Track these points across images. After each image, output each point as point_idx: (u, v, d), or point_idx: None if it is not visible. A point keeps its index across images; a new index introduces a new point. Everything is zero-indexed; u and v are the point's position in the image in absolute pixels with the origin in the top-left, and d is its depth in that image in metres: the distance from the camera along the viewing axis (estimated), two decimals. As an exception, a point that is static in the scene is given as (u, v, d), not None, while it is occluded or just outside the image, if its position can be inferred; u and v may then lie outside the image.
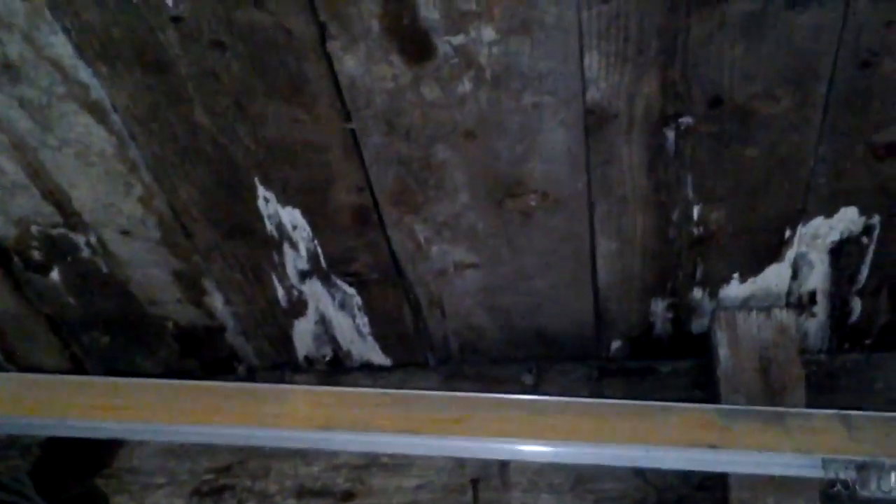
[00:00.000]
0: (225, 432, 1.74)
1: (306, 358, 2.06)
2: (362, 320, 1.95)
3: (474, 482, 1.93)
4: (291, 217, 1.73)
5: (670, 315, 1.89)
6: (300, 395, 1.75)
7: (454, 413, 1.69)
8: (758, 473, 1.67)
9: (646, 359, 2.00)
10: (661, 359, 2.00)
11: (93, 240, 1.80)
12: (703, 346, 1.92)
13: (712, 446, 1.63)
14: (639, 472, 1.90)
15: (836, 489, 1.63)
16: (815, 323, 1.89)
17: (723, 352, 1.78)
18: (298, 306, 1.93)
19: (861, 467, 1.61)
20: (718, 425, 1.65)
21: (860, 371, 1.93)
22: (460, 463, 1.99)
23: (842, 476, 1.62)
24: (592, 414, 1.68)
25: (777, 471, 1.65)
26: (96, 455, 2.07)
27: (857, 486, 1.61)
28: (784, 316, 1.79)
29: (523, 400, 1.71)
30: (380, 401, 1.72)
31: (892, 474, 1.61)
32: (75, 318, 1.99)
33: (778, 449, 1.62)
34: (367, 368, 2.07)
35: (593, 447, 1.67)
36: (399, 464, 2.01)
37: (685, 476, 1.90)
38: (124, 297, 1.92)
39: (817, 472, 1.64)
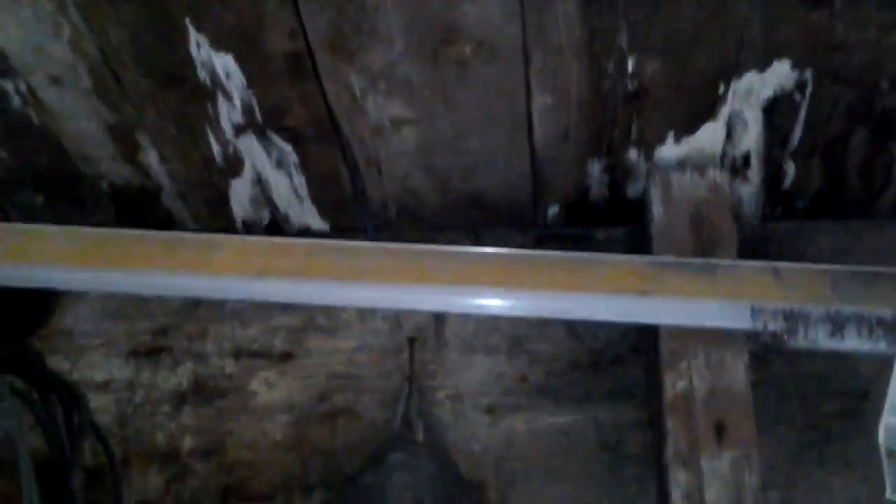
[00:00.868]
0: (161, 281, 1.73)
1: (244, 223, 2.05)
2: (299, 180, 1.94)
3: (411, 341, 1.94)
4: (224, 64, 1.71)
5: (606, 178, 1.89)
6: (236, 244, 1.74)
7: (389, 262, 1.69)
8: (687, 325, 1.69)
9: (582, 226, 2.01)
10: (598, 225, 2.00)
11: (22, 87, 1.78)
12: (638, 213, 1.93)
13: (643, 293, 1.64)
14: (573, 333, 1.92)
15: (764, 340, 1.64)
16: (749, 189, 1.91)
17: (656, 210, 1.79)
18: (234, 164, 1.91)
19: (788, 317, 1.63)
20: (650, 275, 1.66)
21: (792, 238, 1.95)
22: (397, 325, 1.99)
23: (770, 327, 1.63)
24: (528, 263, 1.68)
25: (706, 321, 1.67)
26: (31, 315, 2.05)
27: (784, 337, 1.63)
28: (718, 176, 1.80)
29: (458, 251, 1.71)
30: (316, 249, 1.71)
31: (819, 324, 1.62)
32: (7, 174, 1.96)
33: (708, 296, 1.63)
34: (306, 234, 2.06)
35: (527, 296, 1.67)
36: (336, 326, 2.01)
37: (619, 337, 1.92)
38: (57, 152, 1.90)
39: (746, 323, 1.65)
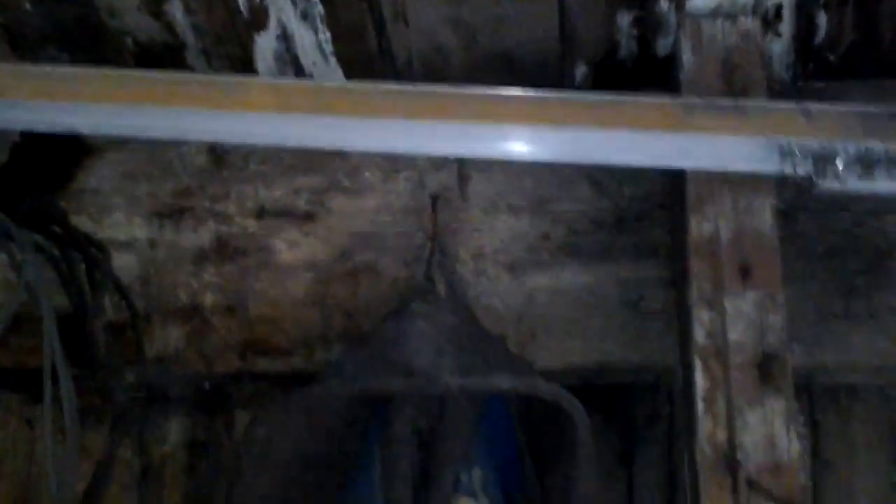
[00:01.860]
0: (188, 121, 1.71)
1: (268, 84, 2.03)
2: (325, 35, 1.92)
3: (433, 199, 1.93)
4: None
5: (636, 32, 1.88)
6: (260, 86, 1.73)
7: (416, 101, 1.68)
8: (715, 169, 1.67)
9: (611, 89, 1.98)
10: (626, 88, 1.98)
11: (50, -73, 1.76)
12: (667, 75, 1.91)
13: (672, 133, 1.62)
14: (598, 191, 1.90)
15: (793, 181, 1.63)
16: (780, 45, 1.89)
17: (686, 58, 1.77)
18: (260, 16, 1.90)
19: (818, 158, 1.61)
20: (679, 114, 1.65)
21: (822, 97, 1.92)
22: (420, 185, 1.98)
23: (799, 169, 1.62)
24: (555, 103, 1.67)
25: (735, 164, 1.65)
26: (54, 173, 2.05)
27: (813, 178, 1.61)
28: (750, 23, 1.78)
29: (483, 92, 1.70)
30: (342, 90, 1.71)
31: (849, 164, 1.60)
32: (32, 31, 1.95)
33: (737, 135, 1.62)
34: (330, 95, 2.04)
35: (553, 137, 1.66)
36: (359, 187, 2.01)
37: (644, 195, 1.91)
38: (84, 1, 1.88)
39: (775, 166, 1.64)
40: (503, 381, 1.67)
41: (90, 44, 1.98)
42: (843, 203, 1.82)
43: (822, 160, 1.61)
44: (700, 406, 1.57)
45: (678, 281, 1.75)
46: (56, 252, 1.91)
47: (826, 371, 1.83)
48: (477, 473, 1.70)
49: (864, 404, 1.92)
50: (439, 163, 1.96)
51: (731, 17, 1.77)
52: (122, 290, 1.94)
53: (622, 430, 1.97)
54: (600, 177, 1.90)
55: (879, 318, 1.80)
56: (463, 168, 1.94)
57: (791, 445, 1.55)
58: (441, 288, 1.87)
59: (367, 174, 2.00)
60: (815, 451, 1.90)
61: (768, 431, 1.56)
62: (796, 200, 1.81)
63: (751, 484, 1.53)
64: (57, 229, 1.94)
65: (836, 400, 1.92)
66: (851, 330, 1.81)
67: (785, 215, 1.79)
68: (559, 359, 1.86)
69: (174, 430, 2.03)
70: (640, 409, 1.97)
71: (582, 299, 1.88)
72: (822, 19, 1.83)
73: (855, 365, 1.83)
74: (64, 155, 2.03)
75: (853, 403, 1.92)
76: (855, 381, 1.89)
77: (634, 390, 1.97)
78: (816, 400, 1.91)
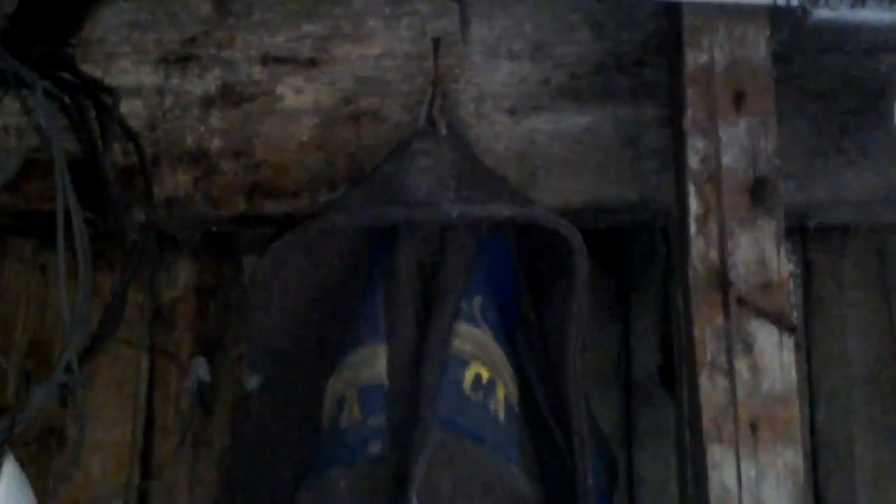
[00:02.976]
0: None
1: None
2: None
3: (435, 42, 1.96)
4: None
5: None
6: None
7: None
8: (711, 1, 1.70)
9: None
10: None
11: None
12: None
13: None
14: (598, 34, 1.93)
15: (788, 8, 1.65)
16: None
17: None
18: None
19: (811, -14, 1.64)
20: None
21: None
22: (422, 32, 2.01)
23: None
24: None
25: (729, -5, 1.68)
26: (63, 21, 2.08)
27: (807, 7, 1.64)
28: None
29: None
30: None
31: (842, -7, 1.63)
32: None
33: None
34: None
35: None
36: (362, 34, 2.04)
37: (643, 38, 1.94)
38: None
39: (768, -3, 1.66)
40: (502, 210, 1.72)
41: None
42: (838, 43, 1.85)
43: (816, -12, 1.63)
44: (693, 228, 1.62)
45: (674, 112, 1.78)
46: (66, 98, 1.95)
47: (818, 207, 1.88)
48: (477, 302, 1.75)
49: (854, 243, 1.96)
50: (441, 9, 1.98)
51: None
52: (130, 134, 1.98)
53: (619, 272, 2.01)
54: (600, 19, 1.92)
55: (871, 157, 1.84)
56: (464, 12, 1.96)
57: (780, 265, 1.60)
58: (442, 128, 1.90)
59: (370, 21, 2.02)
60: (807, 291, 1.95)
61: (759, 252, 1.61)
62: (791, 41, 1.84)
63: (741, 301, 1.58)
64: (67, 76, 1.97)
65: (827, 240, 1.97)
66: (843, 168, 1.85)
67: (780, 57, 1.82)
68: (558, 199, 1.90)
69: (183, 275, 2.08)
70: (636, 251, 2.01)
71: (581, 140, 1.92)
72: None
73: (847, 201, 1.86)
74: (72, 3, 2.06)
75: (844, 243, 1.96)
76: (846, 220, 1.94)
77: (631, 234, 2.01)
78: (808, 240, 1.96)
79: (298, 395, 1.83)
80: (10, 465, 1.58)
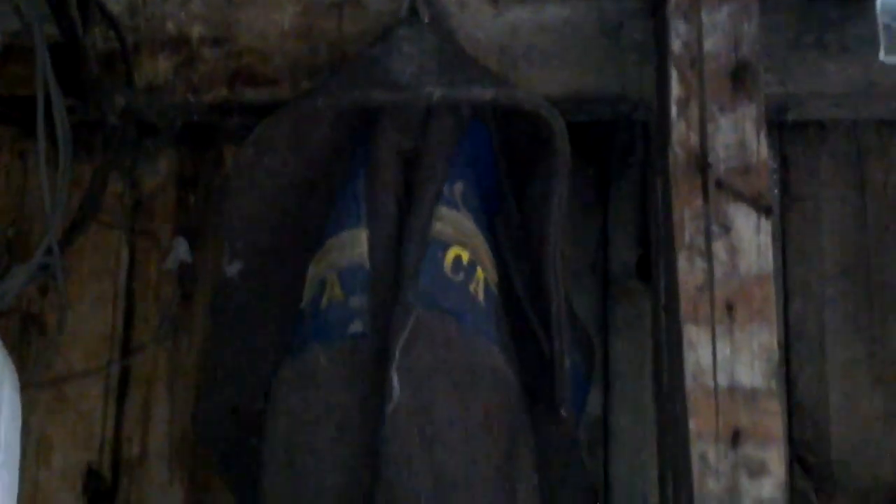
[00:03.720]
0: None
1: None
2: None
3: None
4: None
5: None
6: None
7: None
8: None
9: None
10: None
11: None
12: None
13: None
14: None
15: None
16: None
17: None
18: None
19: None
20: None
21: None
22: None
23: None
24: None
25: None
26: None
27: None
28: None
29: None
30: None
31: None
32: None
33: None
34: None
35: None
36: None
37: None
38: None
39: None
40: (484, 93, 1.72)
41: None
42: (820, -63, 1.85)
43: None
44: (674, 111, 1.63)
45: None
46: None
47: (797, 101, 1.89)
48: (458, 188, 1.76)
49: (832, 138, 1.98)
50: None
51: None
52: (111, 20, 1.97)
53: (598, 166, 2.03)
54: None
55: (851, 51, 1.85)
56: None
57: (760, 149, 1.62)
58: (425, 18, 1.89)
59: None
60: (784, 186, 1.96)
61: (739, 136, 1.62)
62: None
63: (720, 184, 1.60)
64: (46, -41, 1.95)
65: (805, 134, 1.98)
66: (824, 61, 1.86)
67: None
68: (540, 89, 1.91)
69: (164, 164, 2.09)
70: (615, 145, 2.02)
71: (563, 31, 1.93)
72: None
73: (826, 95, 1.88)
74: None
75: (822, 138, 1.98)
76: (824, 115, 1.95)
77: (611, 128, 2.02)
78: (786, 134, 1.97)
79: (279, 280, 1.85)
80: (-8, 340, 1.58)
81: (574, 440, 1.75)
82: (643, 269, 1.98)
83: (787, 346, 1.88)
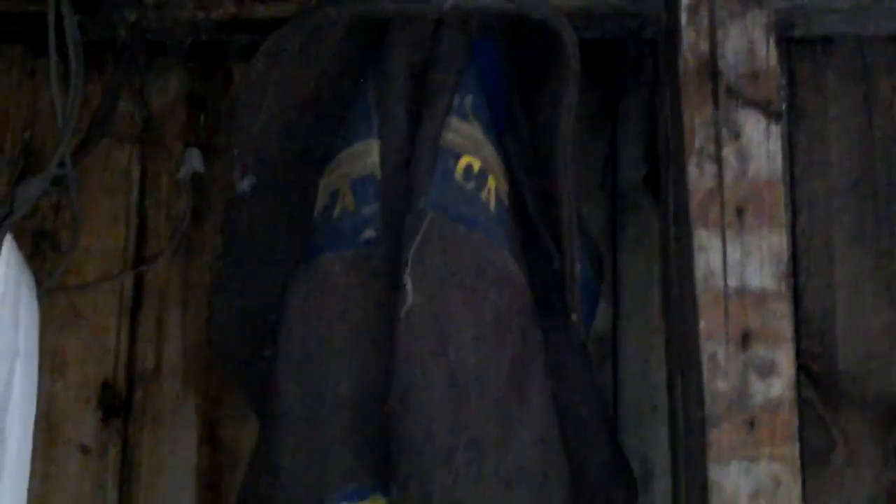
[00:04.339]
0: None
1: None
2: None
3: None
4: None
5: None
6: None
7: None
8: None
9: None
10: None
11: None
12: None
13: None
14: None
15: None
16: None
17: None
18: None
19: None
20: None
21: None
22: None
23: None
24: None
25: None
26: None
27: None
28: None
29: None
30: None
31: None
32: None
33: None
34: None
35: None
36: None
37: None
38: None
39: None
40: (496, 1, 1.72)
41: None
42: None
43: None
44: (683, 18, 1.64)
45: None
46: None
47: (804, 16, 1.90)
48: (468, 100, 1.77)
49: (839, 54, 1.98)
50: None
51: None
52: (120, -65, 1.96)
53: (606, 84, 2.03)
54: None
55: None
56: None
57: (769, 55, 1.63)
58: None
59: None
60: (791, 102, 1.97)
61: (748, 42, 1.63)
62: None
63: (730, 91, 1.61)
64: None
65: (812, 50, 1.99)
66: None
67: None
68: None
69: (174, 83, 2.09)
70: (624, 62, 2.03)
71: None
72: None
73: (833, 10, 1.89)
74: None
75: (829, 53, 1.99)
76: (832, 30, 1.95)
77: (619, 46, 2.03)
78: (793, 51, 1.98)
79: (290, 196, 1.86)
80: (10, 246, 1.60)
81: (584, 349, 1.77)
82: (651, 185, 1.99)
83: (794, 260, 1.89)
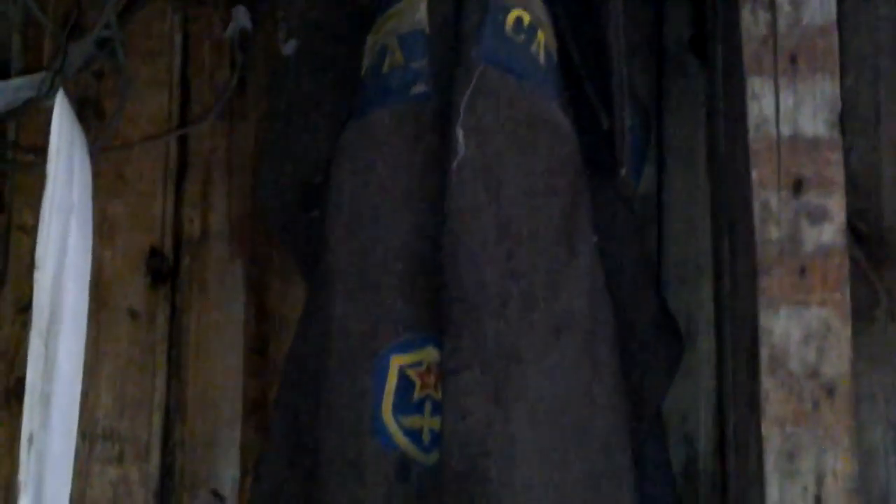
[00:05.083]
0: None
1: None
2: None
3: None
4: None
5: None
6: None
7: None
8: None
9: None
10: None
11: None
12: None
13: None
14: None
15: None
16: None
17: None
18: None
19: None
20: None
21: None
22: None
23: None
24: None
25: None
26: None
27: None
28: None
29: None
30: None
31: None
32: None
33: None
34: None
35: None
36: None
37: None
38: None
39: None
40: None
41: None
42: None
43: None
44: None
45: None
46: None
47: None
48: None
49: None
50: None
51: None
52: None
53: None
54: None
55: None
56: None
57: None
58: None
59: None
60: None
61: None
62: None
63: (784, -62, 1.59)
64: None
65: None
66: None
67: None
68: None
69: (217, -56, 2.06)
70: None
71: None
72: None
73: None
74: None
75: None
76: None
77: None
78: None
79: (335, 57, 1.86)
80: (63, 102, 1.60)
81: (631, 206, 1.77)
82: (696, 48, 1.97)
83: (841, 117, 1.88)
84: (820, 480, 1.46)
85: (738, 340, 1.65)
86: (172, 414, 1.96)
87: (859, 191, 1.88)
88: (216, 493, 1.93)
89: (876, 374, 1.85)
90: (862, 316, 1.82)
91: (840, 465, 1.47)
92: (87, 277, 1.64)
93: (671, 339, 1.78)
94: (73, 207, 1.61)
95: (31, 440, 1.48)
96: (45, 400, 1.52)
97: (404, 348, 1.62)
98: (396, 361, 1.61)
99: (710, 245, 1.89)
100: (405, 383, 1.61)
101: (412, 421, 1.60)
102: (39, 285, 1.54)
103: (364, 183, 1.67)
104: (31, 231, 1.61)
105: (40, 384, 1.52)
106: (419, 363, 1.61)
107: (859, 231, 1.87)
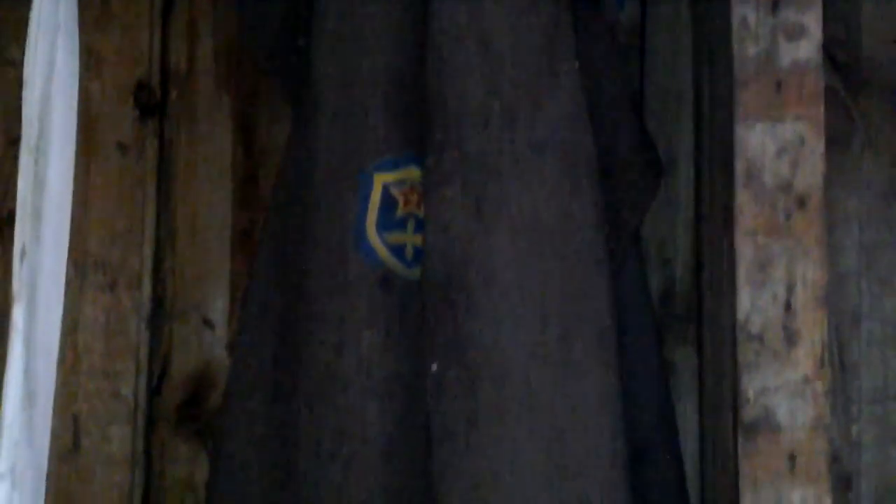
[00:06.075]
0: None
1: None
2: None
3: None
4: None
5: None
6: None
7: None
8: None
9: None
10: None
11: None
12: None
13: None
14: None
15: None
16: None
17: None
18: None
19: None
20: None
21: None
22: None
23: None
24: None
25: None
26: None
27: None
28: None
29: None
30: None
31: None
32: None
33: None
34: None
35: None
36: None
37: None
38: None
39: None
40: None
41: None
42: None
43: None
44: None
45: None
46: None
47: None
48: None
49: None
50: None
51: None
52: None
53: None
54: None
55: None
56: None
57: None
58: None
59: None
60: None
61: None
62: None
63: None
64: None
65: None
66: None
67: None
68: None
69: None
70: None
71: None
72: None
73: None
74: None
75: None
76: None
77: None
78: None
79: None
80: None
81: (613, 33, 1.79)
82: None
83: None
84: (790, 289, 1.50)
85: (714, 158, 1.69)
86: (163, 244, 1.99)
87: (837, 18, 1.89)
88: (206, 321, 1.98)
89: (851, 201, 1.88)
90: (838, 143, 1.85)
91: (810, 273, 1.51)
92: (76, 97, 1.64)
93: (650, 162, 1.81)
94: (59, 27, 1.61)
95: (23, 252, 1.51)
96: (37, 214, 1.54)
97: (388, 167, 1.65)
98: (380, 179, 1.65)
99: (692, 76, 1.91)
100: (389, 201, 1.65)
101: (396, 237, 1.64)
102: (27, 102, 1.55)
103: (348, 3, 1.67)
104: (19, 65, 1.61)
105: (31, 198, 1.54)
106: (402, 181, 1.64)
107: (837, 59, 1.89)
